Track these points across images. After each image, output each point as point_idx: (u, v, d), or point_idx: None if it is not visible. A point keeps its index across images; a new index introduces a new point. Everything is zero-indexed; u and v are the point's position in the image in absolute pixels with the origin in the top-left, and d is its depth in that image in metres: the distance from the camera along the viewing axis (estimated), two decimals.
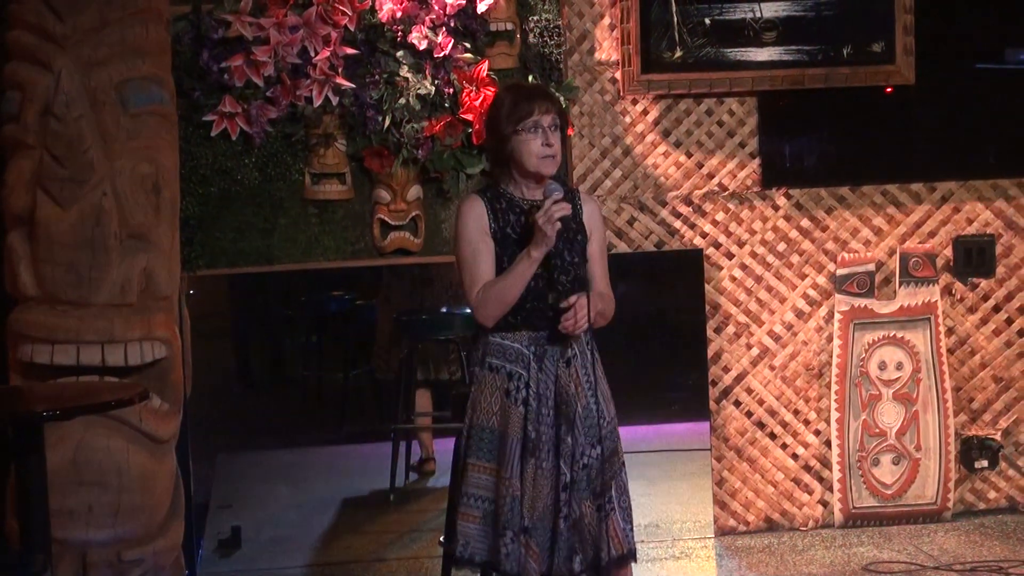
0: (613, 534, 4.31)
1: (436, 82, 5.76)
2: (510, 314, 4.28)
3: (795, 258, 6.33)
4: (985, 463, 6.39)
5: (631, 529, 4.38)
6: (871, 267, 6.33)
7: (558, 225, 4.18)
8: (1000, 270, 6.42)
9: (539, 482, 4.27)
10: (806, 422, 6.35)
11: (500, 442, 4.29)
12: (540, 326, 4.30)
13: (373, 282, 9.10)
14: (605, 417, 4.34)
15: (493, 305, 4.26)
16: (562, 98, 5.83)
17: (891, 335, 6.35)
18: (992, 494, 6.45)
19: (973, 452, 6.38)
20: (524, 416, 4.27)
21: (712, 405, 6.31)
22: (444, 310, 7.62)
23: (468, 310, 4.50)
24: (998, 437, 6.42)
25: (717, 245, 6.27)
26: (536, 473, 4.26)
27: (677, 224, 6.21)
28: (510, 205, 4.33)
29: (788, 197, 6.33)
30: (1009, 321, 6.43)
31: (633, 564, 4.40)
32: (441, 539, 5.35)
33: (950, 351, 6.39)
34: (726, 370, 6.31)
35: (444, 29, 5.74)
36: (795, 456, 6.35)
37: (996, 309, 6.42)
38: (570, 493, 4.27)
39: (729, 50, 6.16)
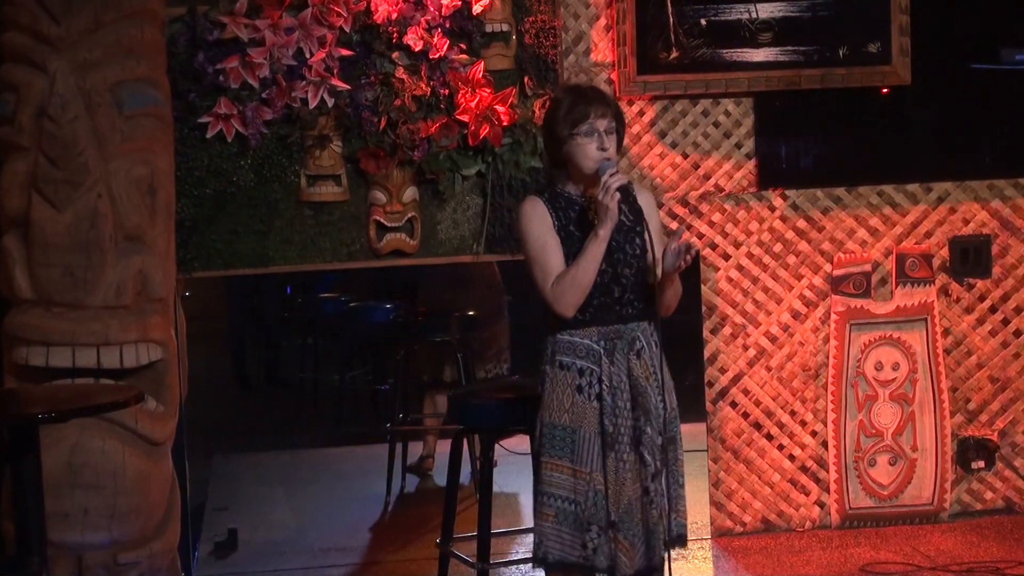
0: (660, 517, 4.37)
1: (432, 83, 5.76)
2: (578, 311, 4.32)
3: (791, 259, 6.32)
4: (982, 464, 6.39)
5: (680, 515, 4.46)
6: (867, 268, 6.33)
7: (617, 196, 4.21)
8: (996, 270, 6.42)
9: (621, 475, 4.30)
10: (803, 423, 6.35)
11: (574, 438, 4.32)
12: (608, 321, 4.34)
13: (401, 283, 9.10)
14: (668, 407, 4.39)
15: (571, 292, 4.28)
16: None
17: (887, 335, 6.35)
18: (989, 495, 6.45)
19: (970, 453, 6.38)
20: (600, 411, 4.31)
21: (708, 406, 6.30)
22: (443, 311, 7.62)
23: (539, 303, 4.47)
24: (994, 438, 6.42)
25: (713, 246, 6.26)
26: (618, 466, 4.30)
27: (673, 225, 6.21)
28: (569, 204, 4.36)
29: (784, 198, 6.32)
30: (1005, 322, 6.43)
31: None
32: (438, 540, 5.36)
33: (946, 351, 6.39)
34: (722, 371, 6.30)
35: (439, 30, 5.74)
36: (792, 457, 6.35)
37: (992, 310, 6.42)
38: (659, 482, 4.33)
39: (725, 51, 6.16)
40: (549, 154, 4.47)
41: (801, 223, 6.32)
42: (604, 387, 4.31)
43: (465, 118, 5.78)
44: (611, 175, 4.22)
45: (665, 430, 4.37)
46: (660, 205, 6.16)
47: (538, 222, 4.35)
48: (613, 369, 4.32)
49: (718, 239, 6.26)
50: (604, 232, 4.24)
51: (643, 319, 4.39)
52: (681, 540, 4.46)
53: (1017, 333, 6.44)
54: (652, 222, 4.45)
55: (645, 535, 4.32)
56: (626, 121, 5.99)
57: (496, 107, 5.79)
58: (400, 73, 5.73)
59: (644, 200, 4.49)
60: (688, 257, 4.24)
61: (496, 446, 5.30)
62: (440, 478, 7.47)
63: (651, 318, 4.41)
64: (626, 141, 6.05)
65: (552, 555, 4.36)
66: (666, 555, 4.41)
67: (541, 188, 4.53)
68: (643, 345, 4.37)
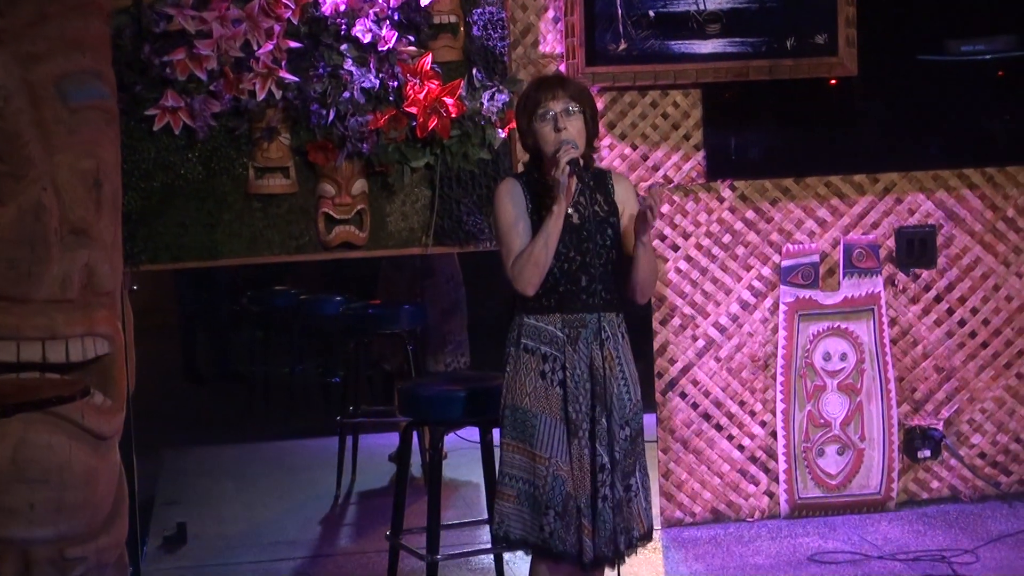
0: (637, 514, 4.44)
1: (380, 75, 5.74)
2: (544, 296, 4.35)
3: (740, 250, 6.35)
4: (928, 453, 6.45)
5: (651, 508, 4.51)
6: (815, 258, 6.36)
7: (567, 169, 4.22)
8: (941, 261, 6.47)
9: (582, 463, 4.34)
10: (752, 413, 6.38)
11: (535, 423, 4.34)
12: (573, 309, 4.36)
13: (351, 275, 9.04)
14: (632, 399, 4.42)
15: (529, 269, 4.31)
16: (508, 91, 5.84)
17: (835, 326, 6.39)
18: (935, 484, 6.50)
19: (916, 442, 6.44)
20: (563, 398, 4.34)
21: (658, 397, 6.32)
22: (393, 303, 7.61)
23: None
24: (940, 427, 6.47)
25: (663, 237, 6.28)
26: (580, 454, 4.34)
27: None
28: (545, 188, 4.38)
29: (733, 189, 6.35)
30: (950, 311, 6.48)
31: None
32: (387, 533, 5.36)
33: (893, 341, 6.43)
34: (672, 362, 6.33)
35: (388, 22, 5.73)
36: (741, 447, 6.38)
37: (938, 299, 6.48)
38: (611, 475, 4.34)
39: (673, 43, 6.17)
40: (523, 147, 4.51)
41: (750, 214, 6.35)
42: (567, 374, 4.32)
43: (414, 110, 5.77)
44: (564, 150, 4.25)
45: (629, 423, 4.40)
46: None
47: (511, 202, 4.40)
48: (575, 358, 4.34)
49: (667, 230, 6.28)
50: (558, 208, 4.27)
51: (610, 310, 4.41)
52: (650, 534, 4.52)
53: (962, 323, 6.49)
54: (631, 209, 4.47)
55: (592, 526, 4.34)
56: None
57: (444, 99, 5.78)
58: (348, 65, 5.71)
59: (622, 187, 4.51)
60: (651, 204, 4.23)
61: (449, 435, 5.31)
62: (388, 473, 7.47)
63: (619, 309, 4.43)
64: None
65: (514, 534, 4.40)
66: (630, 550, 4.42)
67: (519, 172, 4.58)
68: (608, 336, 4.38)
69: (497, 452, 4.52)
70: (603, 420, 4.33)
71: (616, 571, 4.42)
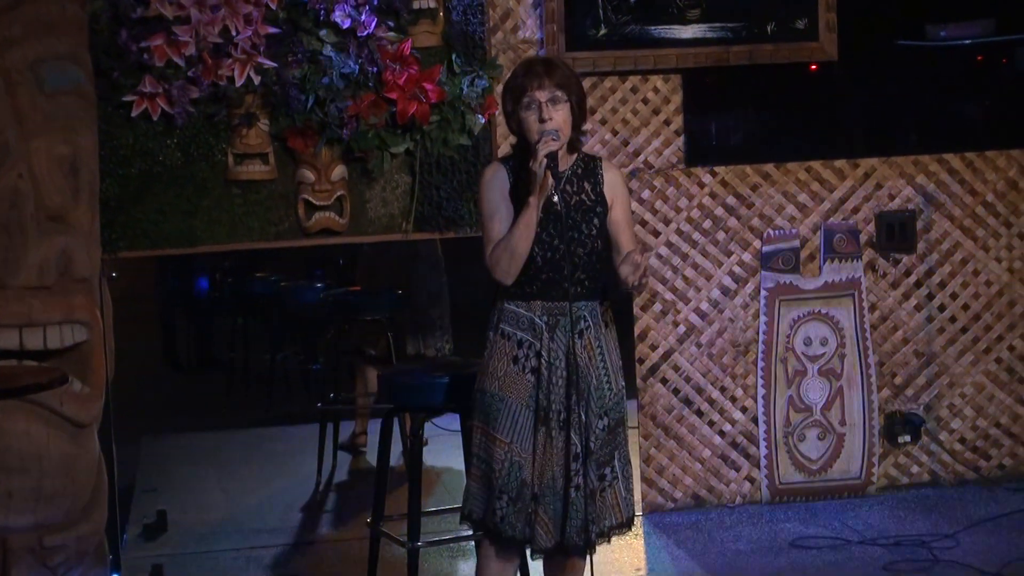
0: (614, 503, 4.41)
1: (360, 61, 5.72)
2: (526, 283, 4.33)
3: (721, 235, 6.35)
4: (908, 438, 6.46)
5: (631, 497, 4.48)
6: (796, 243, 6.36)
7: (545, 162, 4.21)
8: (921, 246, 6.47)
9: (548, 451, 4.32)
10: (733, 399, 6.38)
11: (499, 407, 4.34)
12: (554, 297, 4.34)
13: (332, 262, 9.01)
14: (613, 389, 4.40)
15: (505, 259, 4.29)
16: (488, 77, 5.82)
17: (816, 311, 6.39)
18: (915, 468, 6.52)
19: (896, 427, 6.45)
20: (535, 385, 4.32)
21: (639, 383, 6.32)
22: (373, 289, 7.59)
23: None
24: (920, 412, 6.49)
25: (643, 223, 6.27)
26: (546, 442, 4.31)
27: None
28: (531, 174, 4.34)
29: (713, 174, 6.35)
30: (930, 296, 6.49)
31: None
32: (368, 520, 5.35)
33: (873, 327, 6.44)
34: (653, 348, 6.32)
35: (367, 7, 5.70)
36: (722, 433, 6.38)
37: (918, 284, 6.48)
38: (584, 464, 4.32)
39: (653, 28, 6.16)
40: (509, 129, 4.48)
41: (730, 200, 6.35)
42: (542, 362, 4.31)
43: (393, 96, 5.74)
44: (544, 142, 4.22)
45: (608, 413, 4.38)
46: None
47: (494, 188, 4.38)
48: (552, 346, 4.33)
49: (648, 216, 6.28)
50: (534, 200, 4.25)
51: (593, 299, 4.40)
52: (631, 522, 4.50)
53: (941, 308, 6.50)
54: (620, 199, 4.45)
55: (563, 514, 4.32)
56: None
57: (424, 85, 5.76)
58: (327, 51, 5.68)
59: (611, 177, 4.48)
60: (637, 275, 4.21)
61: (429, 423, 5.30)
62: (373, 456, 7.46)
63: (603, 298, 4.42)
64: None
65: (475, 514, 4.41)
66: (601, 539, 4.41)
67: (506, 155, 4.55)
68: (588, 325, 4.37)
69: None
70: (579, 410, 4.32)
71: (588, 561, 4.41)
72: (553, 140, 4.24)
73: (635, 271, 4.20)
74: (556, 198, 4.29)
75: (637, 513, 6.30)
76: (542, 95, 4.31)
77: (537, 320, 4.35)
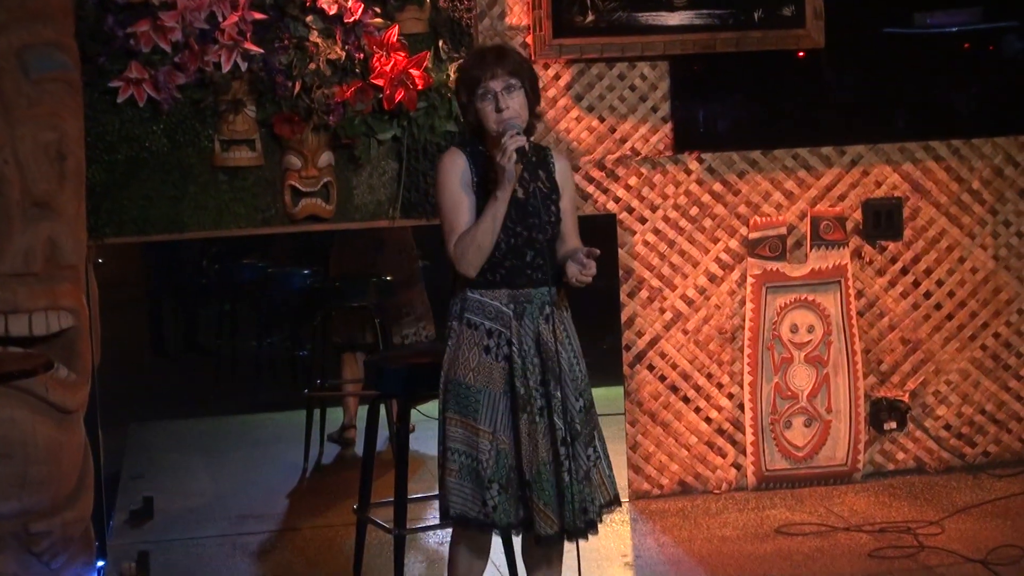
0: (600, 482, 4.41)
1: (346, 47, 5.71)
2: (489, 271, 4.31)
3: (708, 222, 6.35)
4: (894, 424, 6.47)
5: (613, 474, 4.48)
6: (783, 230, 6.37)
7: (514, 157, 4.19)
8: (907, 233, 6.48)
9: (534, 437, 4.30)
10: (719, 386, 6.39)
11: (478, 398, 4.31)
12: (519, 284, 4.33)
13: (318, 248, 8.99)
14: (582, 370, 4.41)
15: (471, 252, 4.27)
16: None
17: (802, 298, 6.40)
18: (900, 455, 6.53)
19: (882, 414, 6.46)
20: (509, 372, 4.31)
21: (626, 370, 6.32)
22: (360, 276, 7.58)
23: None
24: (906, 399, 6.50)
25: (630, 210, 6.27)
26: (531, 428, 4.30)
27: (590, 189, 6.21)
28: (489, 161, 4.34)
29: (700, 161, 6.35)
30: (916, 283, 6.50)
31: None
32: (355, 507, 5.35)
33: (860, 314, 6.45)
34: (640, 335, 6.33)
35: None
36: (708, 420, 6.39)
37: (904, 271, 6.49)
38: (572, 447, 4.31)
39: (641, 14, 6.15)
40: (464, 122, 4.47)
41: (717, 186, 6.35)
42: (514, 349, 4.31)
43: (380, 82, 5.74)
44: (510, 137, 4.21)
45: (583, 394, 4.39)
46: (576, 169, 6.15)
47: (455, 176, 4.34)
48: (522, 332, 4.32)
49: (634, 203, 6.28)
50: (503, 194, 4.23)
51: (553, 284, 4.39)
52: (618, 499, 4.50)
53: (927, 295, 6.51)
54: (568, 188, 4.46)
55: (559, 498, 4.33)
56: (542, 84, 6.02)
57: (411, 71, 5.75)
58: (314, 37, 5.68)
59: (561, 166, 4.50)
60: (585, 276, 4.24)
61: (414, 411, 5.30)
62: (360, 445, 7.46)
63: (557, 284, 4.41)
64: (543, 105, 6.03)
65: (454, 509, 4.37)
66: (598, 518, 4.42)
67: (463, 141, 4.51)
68: (552, 310, 4.37)
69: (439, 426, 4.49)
70: (558, 393, 4.31)
71: (576, 547, 4.41)
72: (518, 135, 4.23)
73: (584, 272, 4.23)
74: (516, 185, 4.29)
75: (624, 499, 6.31)
76: (496, 84, 4.29)
77: (504, 308, 4.33)
